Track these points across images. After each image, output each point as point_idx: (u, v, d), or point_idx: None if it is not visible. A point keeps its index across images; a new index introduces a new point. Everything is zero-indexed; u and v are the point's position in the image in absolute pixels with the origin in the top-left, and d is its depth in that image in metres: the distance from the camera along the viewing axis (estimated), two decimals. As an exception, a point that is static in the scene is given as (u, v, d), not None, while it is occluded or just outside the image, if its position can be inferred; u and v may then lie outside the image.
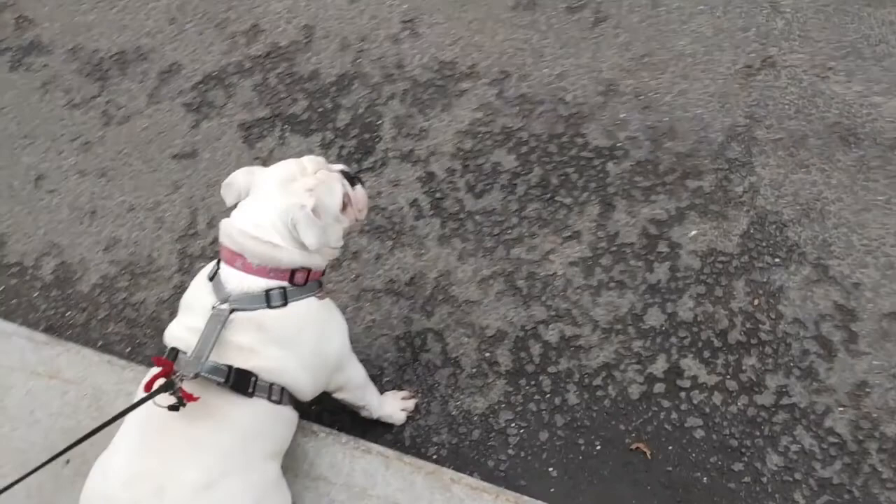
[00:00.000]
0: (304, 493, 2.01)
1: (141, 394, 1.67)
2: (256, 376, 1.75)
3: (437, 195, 2.68)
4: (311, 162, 1.90)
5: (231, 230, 1.79)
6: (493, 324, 2.40)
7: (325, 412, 2.26)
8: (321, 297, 1.91)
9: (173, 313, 2.53)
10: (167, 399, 1.62)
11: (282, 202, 1.78)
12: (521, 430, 2.22)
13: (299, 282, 1.82)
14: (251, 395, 1.75)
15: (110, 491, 1.63)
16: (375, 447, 2.09)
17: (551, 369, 2.31)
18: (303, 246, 1.78)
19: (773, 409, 2.15)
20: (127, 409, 1.60)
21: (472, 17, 3.09)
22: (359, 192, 1.99)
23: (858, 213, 2.39)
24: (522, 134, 2.76)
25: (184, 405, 1.63)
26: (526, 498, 1.98)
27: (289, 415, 1.89)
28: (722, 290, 2.35)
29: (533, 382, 2.29)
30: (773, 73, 2.74)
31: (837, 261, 2.33)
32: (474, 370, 2.34)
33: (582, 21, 2.98)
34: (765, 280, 2.35)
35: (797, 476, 2.05)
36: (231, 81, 3.11)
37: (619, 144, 2.68)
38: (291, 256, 1.79)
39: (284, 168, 1.86)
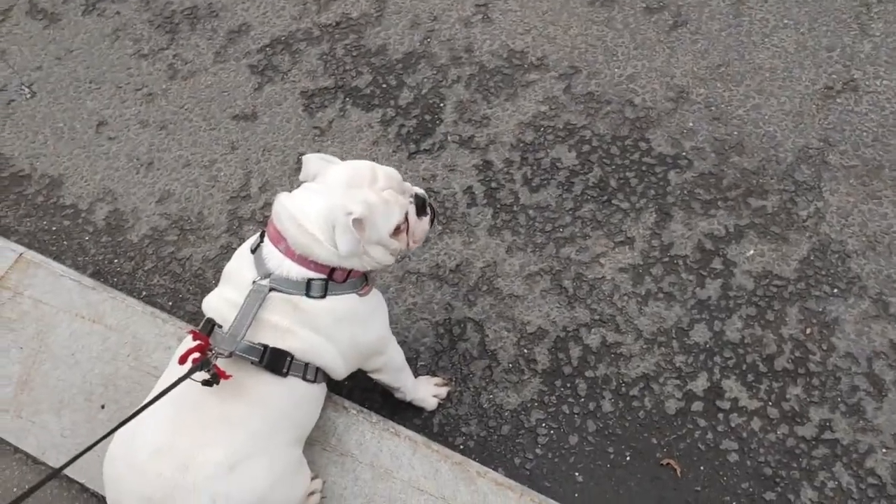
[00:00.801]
0: (331, 467, 2.00)
1: (175, 364, 1.68)
2: (292, 356, 1.75)
3: (493, 185, 2.65)
4: (385, 176, 1.83)
5: (281, 211, 1.76)
6: (534, 321, 2.37)
7: (358, 389, 2.26)
8: (364, 294, 1.86)
9: (217, 272, 2.55)
10: (201, 374, 1.63)
11: (334, 201, 1.73)
12: (552, 431, 2.19)
13: (338, 279, 1.78)
14: (285, 374, 1.75)
15: (136, 461, 1.63)
16: (404, 431, 2.08)
17: (589, 374, 2.27)
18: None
19: (814, 443, 2.09)
20: (166, 389, 1.59)
21: (547, 8, 3.03)
22: (422, 224, 1.92)
23: (927, 252, 2.31)
24: (586, 132, 2.71)
25: (217, 383, 1.63)
26: (550, 500, 1.96)
27: (319, 393, 1.89)
28: (774, 314, 2.29)
29: (569, 385, 2.26)
30: (853, 98, 2.64)
31: (900, 299, 2.25)
32: (510, 365, 2.31)
33: (660, 23, 2.91)
34: (820, 310, 2.28)
35: (832, 514, 1.99)
36: (298, 48, 3.10)
37: (683, 154, 2.61)
38: (328, 255, 1.74)
39: (356, 170, 1.81)
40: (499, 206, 2.60)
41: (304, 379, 1.78)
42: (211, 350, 1.65)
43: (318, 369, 1.82)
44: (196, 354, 1.63)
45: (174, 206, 2.76)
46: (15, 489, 2.09)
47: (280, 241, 1.76)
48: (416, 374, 2.28)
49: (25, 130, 3.03)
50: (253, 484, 1.68)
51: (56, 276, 2.41)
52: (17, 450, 2.15)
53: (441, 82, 2.92)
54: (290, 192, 1.83)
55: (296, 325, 1.75)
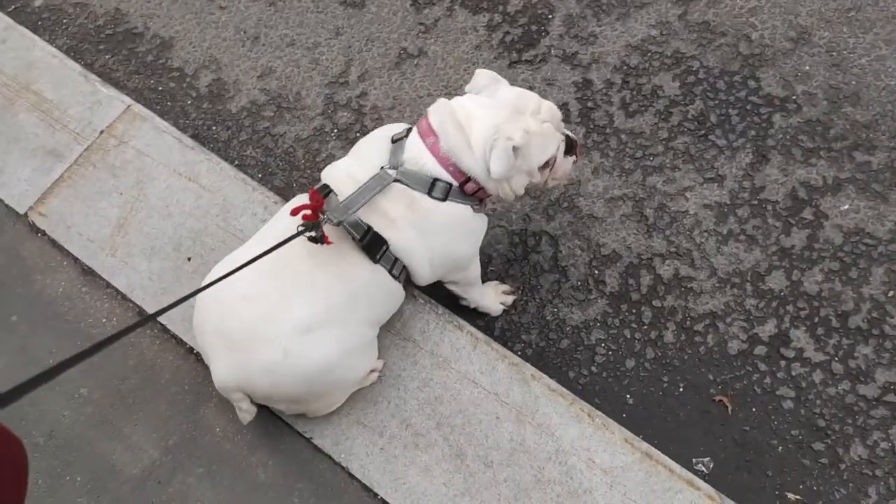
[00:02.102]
0: (392, 349, 2.09)
1: (283, 215, 1.79)
2: (388, 245, 1.81)
3: (589, 104, 2.61)
4: (547, 109, 1.88)
5: (444, 109, 1.81)
6: (610, 244, 2.37)
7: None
8: (477, 211, 1.91)
9: (308, 153, 2.63)
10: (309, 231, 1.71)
11: (499, 120, 1.78)
12: (610, 352, 2.22)
13: (467, 190, 1.84)
14: (376, 261, 1.81)
15: (227, 298, 1.74)
16: (467, 326, 2.14)
17: (656, 303, 2.27)
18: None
19: (874, 403, 2.06)
20: (280, 243, 1.66)
21: (674, -72, 2.90)
22: (566, 163, 1.97)
23: None
24: (693, 63, 2.63)
25: (322, 242, 1.71)
26: (599, 413, 2.00)
27: (398, 291, 1.95)
28: (858, 272, 2.23)
29: (634, 311, 2.27)
30: None
31: None
32: (579, 283, 2.33)
33: (792, -43, 2.75)
34: (907, 275, 2.21)
35: (878, 472, 1.98)
36: (414, -60, 3.06)
37: (793, 97, 2.51)
38: (474, 166, 1.80)
39: (525, 96, 1.86)
40: (592, 126, 2.57)
41: (390, 272, 1.85)
42: (323, 213, 1.73)
43: (403, 268, 1.88)
44: (308, 212, 1.71)
45: (274, 83, 2.82)
46: (104, 319, 2.26)
47: (429, 135, 1.80)
48: (486, 279, 2.32)
49: (143, -10, 3.12)
50: (322, 351, 1.78)
51: (159, 132, 2.52)
52: (108, 285, 2.31)
53: (553, -7, 2.86)
54: (449, 98, 1.87)
55: (403, 219, 1.80)
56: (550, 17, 2.81)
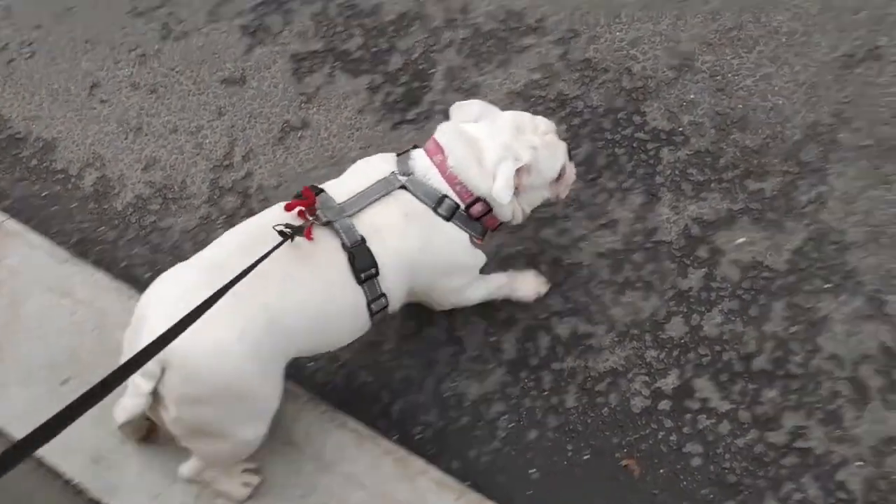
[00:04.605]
0: (273, 457, 1.99)
1: (273, 209, 1.77)
2: (378, 273, 1.72)
3: (475, 158, 2.53)
4: (543, 122, 1.89)
5: (452, 129, 1.83)
6: (505, 307, 2.28)
7: (321, 371, 2.23)
8: (477, 244, 1.88)
9: (195, 244, 2.56)
10: (280, 226, 1.62)
11: (509, 140, 1.78)
12: (511, 425, 2.12)
13: (473, 213, 1.80)
14: (360, 282, 1.72)
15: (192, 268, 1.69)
16: (351, 422, 2.04)
17: (555, 366, 2.18)
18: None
19: (784, 451, 1.96)
20: (277, 245, 1.58)
21: (549, -36, 2.83)
22: (571, 167, 2.00)
23: (935, 248, 2.10)
24: (578, 104, 2.55)
25: (292, 239, 1.61)
26: (489, 502, 1.90)
27: (363, 326, 1.86)
28: (758, 309, 2.13)
29: (533, 377, 2.17)
30: (875, 67, 2.40)
31: (896, 299, 2.06)
32: (476, 353, 2.23)
33: (668, -19, 2.68)
34: (809, 306, 2.11)
35: (791, 530, 1.88)
36: (291, 7, 2.99)
37: (680, 129, 2.43)
38: (483, 185, 1.77)
39: (520, 116, 1.88)
40: (480, 181, 2.49)
41: (369, 304, 1.76)
42: (316, 210, 1.67)
43: (383, 308, 1.80)
44: (301, 209, 1.66)
45: (159, 174, 2.74)
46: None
47: (437, 153, 1.80)
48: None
49: (23, 91, 3.05)
50: (266, 349, 1.66)
51: (32, 248, 2.44)
52: (-18, 422, 2.22)
53: (433, 46, 2.78)
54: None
55: (390, 230, 1.74)
56: (432, 71, 2.73)
